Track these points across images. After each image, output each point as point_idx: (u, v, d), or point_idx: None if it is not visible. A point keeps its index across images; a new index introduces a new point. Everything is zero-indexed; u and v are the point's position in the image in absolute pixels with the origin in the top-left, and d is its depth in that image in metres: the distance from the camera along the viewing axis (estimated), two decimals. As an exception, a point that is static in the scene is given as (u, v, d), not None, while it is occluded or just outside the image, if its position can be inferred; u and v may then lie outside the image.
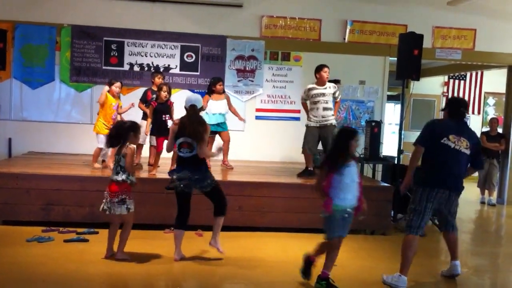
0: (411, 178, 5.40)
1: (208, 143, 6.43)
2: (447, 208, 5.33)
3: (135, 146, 5.48)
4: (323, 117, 7.79)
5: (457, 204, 5.41)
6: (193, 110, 5.56)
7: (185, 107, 5.64)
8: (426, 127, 5.46)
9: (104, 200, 5.32)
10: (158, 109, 7.46)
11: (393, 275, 5.15)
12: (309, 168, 7.92)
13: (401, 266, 5.14)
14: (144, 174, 7.38)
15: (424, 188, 5.22)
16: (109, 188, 5.32)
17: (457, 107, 5.50)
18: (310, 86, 8.01)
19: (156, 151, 7.54)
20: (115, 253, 5.43)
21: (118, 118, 7.75)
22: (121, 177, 5.27)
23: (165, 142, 7.30)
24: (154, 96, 7.87)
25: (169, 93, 7.58)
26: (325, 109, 7.81)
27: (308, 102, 7.99)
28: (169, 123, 7.29)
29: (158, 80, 8.17)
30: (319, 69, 7.93)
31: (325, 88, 7.87)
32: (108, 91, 7.61)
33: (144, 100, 8.15)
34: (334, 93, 7.91)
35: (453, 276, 5.50)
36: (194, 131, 5.41)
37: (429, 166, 5.31)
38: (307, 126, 7.99)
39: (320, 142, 7.93)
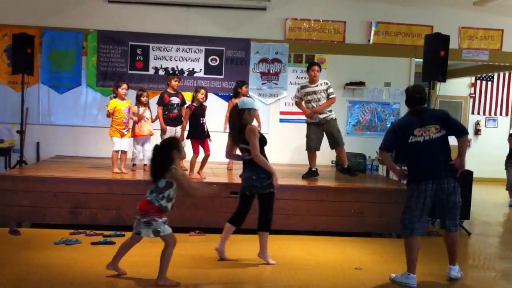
0: (398, 170, 5.38)
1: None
2: (446, 199, 5.07)
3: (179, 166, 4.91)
4: (320, 114, 7.78)
5: (455, 196, 5.07)
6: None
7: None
8: (388, 132, 5.38)
9: (136, 216, 4.92)
10: (195, 112, 7.41)
11: (402, 274, 5.13)
12: (312, 169, 7.91)
13: (408, 265, 5.12)
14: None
15: (412, 184, 5.16)
16: (139, 204, 4.87)
17: (410, 95, 5.27)
18: (303, 84, 8.05)
19: (193, 154, 7.45)
20: (118, 269, 5.02)
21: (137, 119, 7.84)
22: (152, 197, 4.79)
23: (200, 146, 7.39)
24: (172, 99, 7.99)
25: (206, 96, 7.61)
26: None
27: (303, 102, 7.98)
28: (205, 127, 7.40)
29: (174, 82, 8.21)
30: (307, 68, 7.95)
31: (316, 86, 7.84)
32: (115, 96, 7.68)
33: (161, 103, 8.16)
34: (326, 90, 7.83)
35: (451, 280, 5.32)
36: (239, 136, 5.44)
37: (410, 166, 5.25)
38: (307, 123, 7.99)
39: (327, 138, 7.94)
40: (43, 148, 9.78)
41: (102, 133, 9.65)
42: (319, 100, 7.78)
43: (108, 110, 7.58)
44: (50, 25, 9.73)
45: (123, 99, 7.66)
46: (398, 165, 5.53)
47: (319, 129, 7.86)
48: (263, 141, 5.55)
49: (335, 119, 7.93)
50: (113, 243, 6.17)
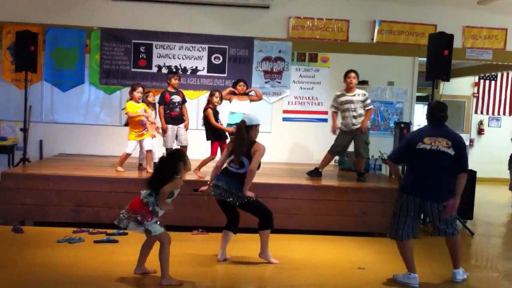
0: (399, 179, 5.39)
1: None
2: (431, 215, 5.10)
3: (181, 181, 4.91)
4: (353, 124, 7.78)
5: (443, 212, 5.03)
6: (239, 128, 5.60)
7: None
8: (401, 141, 5.43)
9: (122, 211, 4.82)
10: (214, 114, 7.45)
11: (404, 274, 5.15)
12: (319, 170, 7.93)
13: (406, 266, 5.15)
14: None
15: (400, 193, 5.19)
16: (131, 202, 4.82)
17: (433, 112, 5.23)
18: (339, 93, 8.01)
19: (210, 155, 7.43)
20: (146, 269, 5.05)
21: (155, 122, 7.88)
22: (149, 200, 4.76)
23: (220, 147, 7.36)
24: (173, 97, 8.01)
25: (221, 99, 7.62)
26: (354, 117, 7.80)
27: (338, 111, 8.00)
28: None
29: (174, 81, 8.17)
30: (344, 75, 7.92)
31: (354, 96, 7.83)
32: (131, 99, 7.67)
33: (162, 102, 8.12)
34: (364, 101, 7.83)
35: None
36: (242, 148, 5.47)
37: (408, 173, 5.27)
38: (340, 129, 8.00)
39: (354, 146, 7.97)
40: (46, 146, 9.77)
41: (105, 131, 9.73)
42: (355, 110, 7.77)
43: (128, 112, 7.53)
44: (53, 23, 9.71)
45: (138, 102, 7.66)
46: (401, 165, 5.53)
47: (349, 137, 7.87)
48: None
49: (369, 128, 8.00)
50: (116, 241, 6.19)
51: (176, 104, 8.12)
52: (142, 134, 7.60)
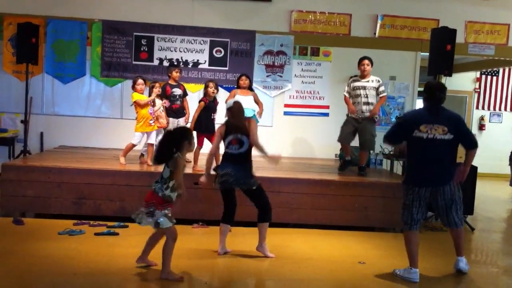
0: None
1: None
2: (441, 201, 5.10)
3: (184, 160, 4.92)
4: (362, 111, 7.65)
5: (453, 196, 5.08)
6: (234, 107, 5.60)
7: (227, 109, 5.69)
8: (395, 123, 5.40)
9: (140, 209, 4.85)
10: (208, 106, 7.39)
11: (405, 268, 5.15)
12: (346, 159, 7.86)
13: (409, 260, 5.15)
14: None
15: (406, 185, 5.19)
16: (145, 195, 4.86)
17: (431, 91, 5.15)
18: (353, 77, 7.93)
19: (197, 145, 7.32)
20: (148, 261, 5.06)
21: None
22: (157, 187, 4.76)
23: (205, 139, 7.33)
24: (174, 90, 8.03)
25: (216, 88, 7.57)
26: (365, 103, 7.65)
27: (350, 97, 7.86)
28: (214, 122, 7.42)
29: (175, 74, 8.16)
30: (358, 62, 7.82)
31: (367, 82, 7.72)
32: (135, 91, 7.65)
33: (163, 95, 8.09)
34: (377, 88, 7.72)
35: (458, 272, 5.36)
36: (239, 125, 5.46)
37: (409, 163, 5.26)
38: (347, 115, 7.91)
39: (356, 135, 7.83)
40: (46, 138, 9.76)
41: (105, 124, 9.72)
42: (367, 96, 7.64)
43: (137, 100, 7.47)
44: (54, 15, 9.67)
45: (142, 93, 7.65)
46: (401, 160, 5.52)
47: (354, 125, 7.73)
48: None
49: (375, 120, 7.83)
50: (117, 234, 6.19)
51: (177, 97, 8.11)
52: (150, 125, 7.56)
